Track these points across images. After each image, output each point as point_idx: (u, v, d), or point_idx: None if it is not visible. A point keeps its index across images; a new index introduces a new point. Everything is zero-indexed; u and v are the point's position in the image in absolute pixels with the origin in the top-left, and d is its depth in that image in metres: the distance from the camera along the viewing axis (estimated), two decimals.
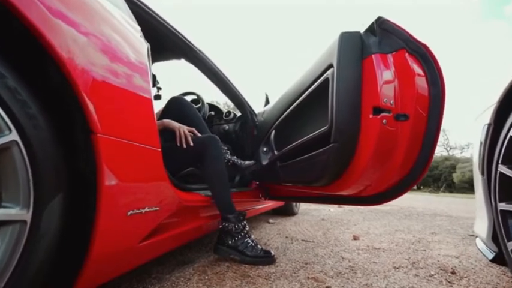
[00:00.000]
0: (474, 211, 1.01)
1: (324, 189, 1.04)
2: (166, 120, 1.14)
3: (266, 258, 1.05)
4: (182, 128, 1.10)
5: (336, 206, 3.46)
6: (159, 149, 0.75)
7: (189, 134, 1.09)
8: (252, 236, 1.11)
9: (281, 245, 1.38)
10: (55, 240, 0.49)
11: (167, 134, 1.11)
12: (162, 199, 0.76)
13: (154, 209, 0.72)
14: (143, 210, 0.67)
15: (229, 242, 1.06)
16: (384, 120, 0.80)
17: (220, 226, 1.08)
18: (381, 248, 1.36)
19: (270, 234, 1.65)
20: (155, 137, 0.73)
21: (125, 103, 0.62)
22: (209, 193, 1.09)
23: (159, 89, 1.53)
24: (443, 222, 2.46)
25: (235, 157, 1.30)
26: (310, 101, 1.06)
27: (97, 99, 0.53)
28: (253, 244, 1.06)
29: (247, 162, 1.30)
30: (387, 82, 0.81)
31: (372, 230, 1.91)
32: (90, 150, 0.53)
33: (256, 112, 1.74)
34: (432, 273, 0.99)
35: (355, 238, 1.58)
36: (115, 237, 0.60)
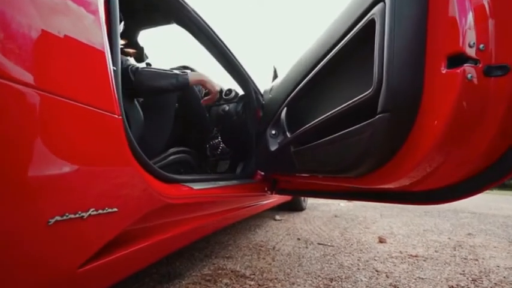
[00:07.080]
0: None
1: (359, 181, 0.75)
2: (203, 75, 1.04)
3: None
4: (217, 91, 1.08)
5: (345, 200, 3.20)
6: (119, 117, 0.47)
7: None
8: None
9: (293, 250, 1.12)
10: None
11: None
12: (123, 195, 0.49)
13: (107, 211, 0.44)
14: (85, 215, 0.40)
15: None
16: (469, 75, 0.51)
17: None
18: (418, 255, 1.10)
19: (279, 235, 1.39)
20: (109, 97, 0.45)
21: (50, 38, 0.35)
22: (203, 186, 0.82)
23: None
24: (470, 219, 2.19)
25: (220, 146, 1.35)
26: (342, 58, 0.76)
27: None
28: None
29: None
30: (472, 18, 0.52)
31: (395, 229, 1.64)
32: None
33: (262, 91, 1.45)
34: None
35: (381, 241, 1.31)
36: (20, 265, 0.33)
